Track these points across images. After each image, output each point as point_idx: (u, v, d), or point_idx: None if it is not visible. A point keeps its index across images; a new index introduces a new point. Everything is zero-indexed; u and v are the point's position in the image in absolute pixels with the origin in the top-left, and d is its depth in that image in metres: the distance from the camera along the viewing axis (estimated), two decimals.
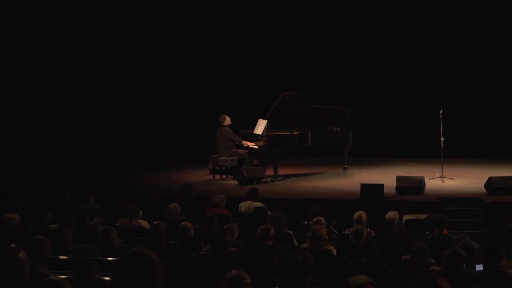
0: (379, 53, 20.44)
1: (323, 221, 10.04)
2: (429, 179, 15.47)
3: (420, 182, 14.66)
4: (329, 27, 20.54)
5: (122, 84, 20.10)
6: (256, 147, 16.44)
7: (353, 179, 16.36)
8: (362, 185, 14.18)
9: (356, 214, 10.59)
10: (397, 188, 14.49)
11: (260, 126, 16.48)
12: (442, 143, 15.60)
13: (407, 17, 20.26)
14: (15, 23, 17.33)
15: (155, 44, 20.77)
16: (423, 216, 11.27)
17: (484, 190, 14.43)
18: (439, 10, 20.18)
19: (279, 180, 16.46)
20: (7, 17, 17.26)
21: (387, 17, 20.37)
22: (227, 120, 16.61)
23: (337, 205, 13.26)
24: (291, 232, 10.09)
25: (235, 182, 16.05)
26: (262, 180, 16.05)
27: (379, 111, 20.27)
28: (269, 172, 16.57)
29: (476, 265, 7.59)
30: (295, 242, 9.87)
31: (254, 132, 16.61)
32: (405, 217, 11.65)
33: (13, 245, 5.60)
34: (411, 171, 16.54)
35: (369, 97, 20.31)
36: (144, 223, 10.53)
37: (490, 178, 14.45)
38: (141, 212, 10.80)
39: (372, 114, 20.05)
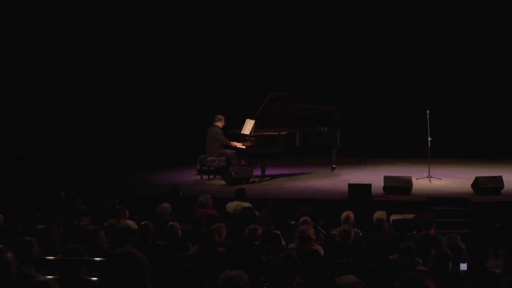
0: (369, 54, 20.45)
1: (310, 221, 10.06)
2: (417, 179, 15.51)
3: (408, 182, 14.69)
4: (319, 28, 20.55)
5: (113, 85, 20.07)
6: (244, 147, 16.44)
7: (341, 179, 16.39)
8: (350, 185, 14.20)
9: (344, 214, 10.60)
10: (384, 188, 14.52)
11: (248, 126, 16.48)
12: (429, 143, 15.65)
13: (396, 19, 20.29)
14: (7, 20, 17.26)
15: (148, 44, 20.70)
16: (411, 216, 11.30)
17: (471, 190, 14.49)
18: (428, 12, 20.22)
19: (267, 180, 16.46)
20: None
21: (377, 20, 20.39)
22: (221, 122, 16.56)
23: (325, 205, 13.27)
24: (278, 232, 10.11)
25: (223, 182, 16.05)
26: (250, 180, 16.04)
27: (367, 111, 20.30)
28: (257, 172, 16.57)
29: (461, 264, 7.60)
30: (283, 242, 9.89)
31: (242, 132, 16.61)
32: (393, 217, 11.68)
33: (1, 245, 5.58)
34: (398, 171, 16.57)
35: (357, 97, 20.32)
36: (132, 223, 10.52)
37: (477, 178, 14.51)
38: (128, 212, 10.79)
39: (360, 114, 20.06)
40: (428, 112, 15.75)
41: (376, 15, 20.43)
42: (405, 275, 4.11)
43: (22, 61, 17.60)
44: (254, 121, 16.39)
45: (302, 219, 10.08)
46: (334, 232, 10.48)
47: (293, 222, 11.16)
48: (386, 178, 14.71)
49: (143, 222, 9.13)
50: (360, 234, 10.45)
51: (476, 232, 12.86)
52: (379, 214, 11.31)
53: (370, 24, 20.44)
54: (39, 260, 7.24)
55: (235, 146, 16.59)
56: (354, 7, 20.58)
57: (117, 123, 20.05)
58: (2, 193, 12.92)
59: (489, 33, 19.83)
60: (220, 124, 16.56)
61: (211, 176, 16.75)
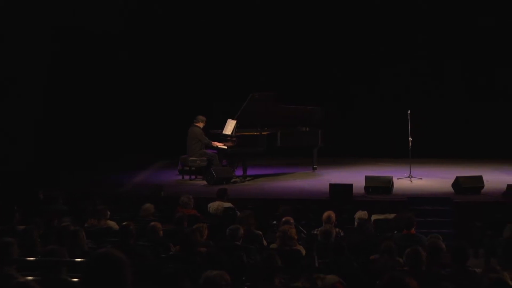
0: (350, 55, 20.46)
1: (292, 221, 10.06)
2: (397, 178, 15.56)
3: (389, 182, 14.73)
4: (299, 28, 20.54)
5: (96, 84, 19.98)
6: (225, 147, 16.42)
7: (322, 179, 16.39)
8: (331, 185, 14.22)
9: (325, 214, 10.63)
10: (365, 188, 14.55)
11: (229, 126, 16.46)
12: (410, 143, 15.71)
13: (377, 21, 20.32)
14: None
15: (130, 41, 20.61)
16: (392, 215, 11.34)
17: (451, 189, 14.55)
18: (410, 14, 20.26)
19: (248, 180, 16.45)
20: None
21: (358, 21, 20.41)
22: (202, 123, 16.52)
23: (307, 205, 13.29)
24: (260, 232, 10.11)
25: (204, 182, 16.02)
26: (231, 180, 16.02)
27: (348, 111, 20.30)
28: (238, 172, 16.56)
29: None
30: (265, 242, 9.89)
31: (223, 133, 16.58)
32: (374, 217, 11.71)
33: None
34: (379, 171, 16.60)
35: (339, 97, 20.32)
36: (113, 224, 10.49)
37: (457, 178, 14.58)
38: (109, 213, 10.75)
39: (341, 113, 20.04)
40: (409, 112, 15.81)
41: (359, 15, 20.44)
42: (386, 275, 4.11)
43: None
44: (235, 121, 16.37)
45: (283, 219, 10.09)
46: (315, 232, 10.49)
47: (275, 222, 11.16)
48: (367, 178, 14.74)
49: (124, 223, 9.11)
50: (342, 234, 10.47)
51: (456, 232, 12.94)
52: (361, 214, 11.33)
53: (351, 24, 20.43)
54: (20, 261, 7.21)
55: (217, 146, 16.57)
56: (333, 9, 20.61)
57: (98, 122, 19.93)
58: None
59: (473, 33, 19.89)
60: (201, 125, 16.52)
61: (193, 176, 16.72)
